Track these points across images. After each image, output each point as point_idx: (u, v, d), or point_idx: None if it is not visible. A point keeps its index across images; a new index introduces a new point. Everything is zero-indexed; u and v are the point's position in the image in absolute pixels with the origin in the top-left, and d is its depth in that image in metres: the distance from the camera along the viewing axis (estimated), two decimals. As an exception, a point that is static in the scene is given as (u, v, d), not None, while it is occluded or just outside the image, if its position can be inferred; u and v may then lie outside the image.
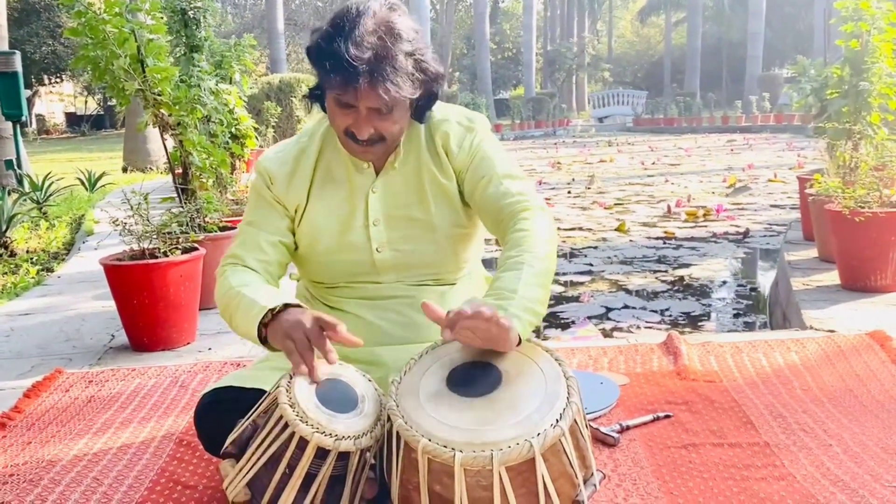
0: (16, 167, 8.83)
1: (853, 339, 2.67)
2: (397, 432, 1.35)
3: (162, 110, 3.40)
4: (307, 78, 13.77)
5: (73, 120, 37.25)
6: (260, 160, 1.80)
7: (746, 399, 2.21)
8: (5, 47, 9.54)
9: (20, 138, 9.27)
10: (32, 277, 4.65)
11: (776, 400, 2.20)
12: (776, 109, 24.21)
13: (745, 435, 1.98)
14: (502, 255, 1.58)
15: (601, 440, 1.98)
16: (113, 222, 3.01)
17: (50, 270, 4.90)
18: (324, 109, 1.73)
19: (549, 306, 4.25)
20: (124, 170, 12.36)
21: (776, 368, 2.46)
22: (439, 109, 1.77)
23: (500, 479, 1.27)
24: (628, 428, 2.05)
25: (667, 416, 2.12)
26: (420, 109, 1.70)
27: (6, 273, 4.78)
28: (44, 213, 6.91)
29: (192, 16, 4.38)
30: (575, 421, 1.36)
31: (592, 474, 1.44)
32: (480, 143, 1.74)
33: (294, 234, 1.78)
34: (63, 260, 5.29)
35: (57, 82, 32.80)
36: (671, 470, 1.82)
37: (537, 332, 3.84)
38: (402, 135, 1.71)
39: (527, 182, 1.72)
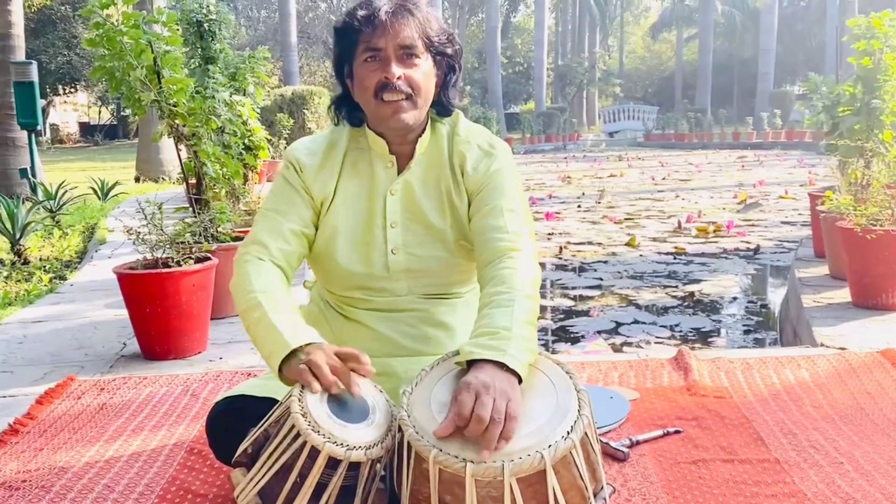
0: (30, 176, 8.91)
1: (864, 356, 2.66)
2: (408, 443, 1.36)
3: (177, 121, 3.43)
4: (319, 90, 13.85)
5: (87, 129, 37.57)
6: (290, 150, 1.81)
7: (756, 415, 2.21)
8: (22, 57, 9.65)
9: (35, 147, 9.36)
10: (45, 285, 4.68)
11: (786, 417, 2.20)
12: (787, 126, 24.21)
13: (755, 451, 1.98)
14: (488, 289, 1.57)
15: (611, 455, 1.98)
16: (127, 231, 3.03)
17: (63, 278, 4.93)
18: (350, 121, 1.78)
19: (559, 320, 4.28)
20: (137, 179, 12.45)
21: (787, 385, 2.45)
22: (465, 129, 1.79)
23: (511, 490, 1.27)
24: (638, 443, 2.05)
25: (677, 432, 2.11)
26: (443, 90, 1.75)
27: (19, 280, 4.82)
28: (57, 222, 6.97)
29: (207, 28, 4.42)
30: (586, 434, 1.37)
31: (602, 488, 1.44)
32: (497, 171, 1.73)
33: (316, 229, 1.77)
34: (76, 268, 5.33)
35: (71, 92, 33.09)
36: (681, 486, 1.82)
37: (546, 346, 3.84)
38: (426, 107, 1.72)
39: (527, 221, 1.71)
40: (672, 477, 1.86)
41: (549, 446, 1.29)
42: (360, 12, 1.66)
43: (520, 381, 1.41)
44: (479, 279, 1.67)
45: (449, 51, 1.73)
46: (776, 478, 1.83)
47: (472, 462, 1.27)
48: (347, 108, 1.78)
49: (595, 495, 1.40)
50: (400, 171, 1.76)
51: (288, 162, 1.80)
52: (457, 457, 1.29)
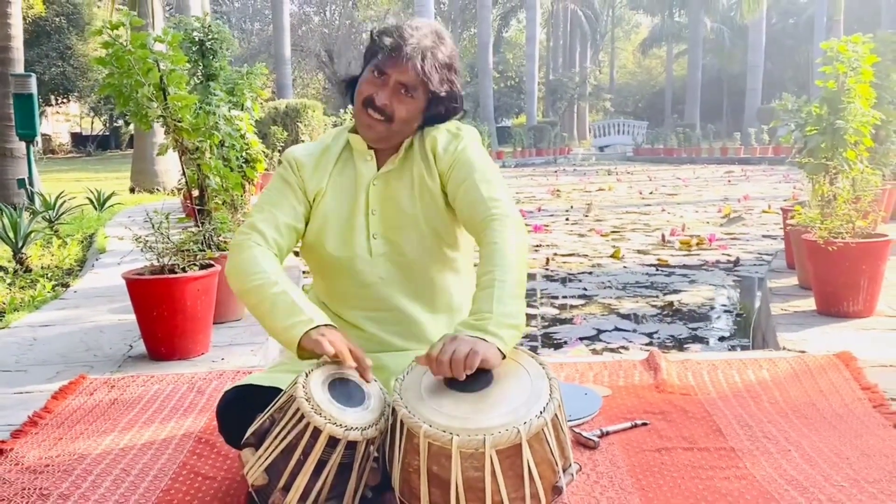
0: (27, 186, 9.07)
1: (821, 358, 2.87)
2: (401, 421, 1.56)
3: (182, 136, 3.62)
4: (313, 103, 14.09)
5: (79, 140, 37.69)
6: (287, 152, 2.04)
7: (718, 410, 2.42)
8: (21, 69, 9.83)
9: (33, 158, 9.52)
10: (49, 292, 4.85)
11: (745, 411, 2.40)
12: (775, 142, 24.52)
13: (714, 441, 2.18)
14: (478, 270, 1.77)
15: (583, 444, 2.18)
16: (135, 240, 3.22)
17: (65, 286, 5.10)
18: (352, 99, 1.99)
19: (544, 327, 4.45)
20: (132, 190, 12.61)
21: (748, 384, 2.66)
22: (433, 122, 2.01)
23: (492, 461, 1.47)
24: (608, 433, 2.25)
25: (644, 424, 2.32)
26: (429, 120, 1.97)
27: (23, 287, 4.99)
28: (55, 231, 7.13)
29: (209, 46, 4.62)
30: (556, 415, 1.57)
31: (570, 465, 1.64)
32: (465, 148, 1.95)
33: (306, 223, 1.98)
34: (76, 276, 5.50)
35: (64, 103, 33.20)
36: (644, 470, 2.02)
37: (534, 351, 4.03)
38: (404, 132, 1.94)
39: (502, 189, 1.89)
40: (637, 462, 2.07)
41: (525, 423, 1.50)
42: (389, 40, 1.88)
43: (503, 355, 1.61)
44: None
45: (442, 94, 1.93)
46: (730, 463, 2.04)
47: (457, 436, 1.48)
48: (353, 91, 1.99)
49: (564, 470, 1.60)
50: (380, 165, 1.98)
51: (286, 161, 2.02)
52: (444, 431, 1.49)
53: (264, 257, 1.86)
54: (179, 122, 3.59)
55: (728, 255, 6.81)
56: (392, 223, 1.97)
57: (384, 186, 1.97)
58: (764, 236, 7.94)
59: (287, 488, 1.61)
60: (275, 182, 2.01)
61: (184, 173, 3.84)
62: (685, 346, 4.11)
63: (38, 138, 9.33)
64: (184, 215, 5.08)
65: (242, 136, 4.84)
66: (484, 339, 1.59)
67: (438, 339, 1.61)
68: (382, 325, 1.99)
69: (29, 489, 1.99)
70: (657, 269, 6.25)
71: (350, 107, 2.09)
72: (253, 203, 5.38)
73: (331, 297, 2.06)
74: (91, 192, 9.63)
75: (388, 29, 1.92)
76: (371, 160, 1.98)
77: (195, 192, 3.88)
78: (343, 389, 1.69)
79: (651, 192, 13.65)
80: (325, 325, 1.73)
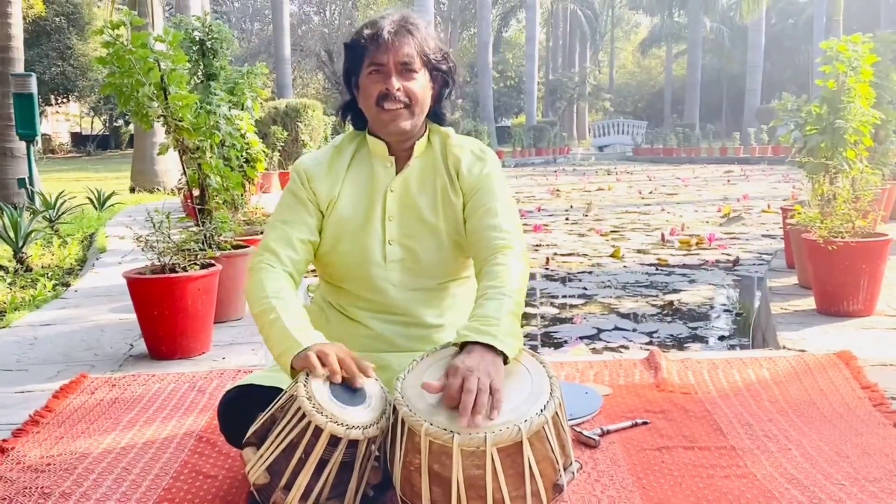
0: (28, 185, 9.07)
1: (821, 357, 2.88)
2: (402, 420, 1.56)
3: (182, 135, 3.63)
4: (313, 103, 14.08)
5: (79, 140, 37.69)
6: (296, 163, 2.04)
7: (718, 409, 2.42)
8: (21, 69, 9.83)
9: (33, 158, 9.53)
10: (50, 291, 4.85)
11: (745, 410, 2.41)
12: (774, 141, 24.56)
13: (714, 440, 2.19)
14: (483, 283, 1.78)
15: (584, 442, 2.18)
16: (136, 239, 3.22)
17: (66, 285, 5.10)
18: (355, 124, 2.01)
19: (545, 327, 4.46)
20: (132, 190, 12.61)
21: (748, 383, 2.67)
22: (457, 137, 2.02)
23: (493, 459, 1.47)
24: (609, 432, 2.25)
25: (644, 423, 2.32)
26: (438, 102, 1.98)
27: (24, 286, 4.99)
28: (56, 231, 7.14)
29: (209, 46, 4.62)
30: (556, 413, 1.57)
31: (571, 463, 1.64)
32: (489, 174, 1.96)
33: (320, 233, 1.98)
34: (77, 275, 5.50)
35: (64, 102, 33.17)
36: (645, 468, 2.03)
37: (533, 350, 4.03)
38: (422, 116, 1.94)
39: (517, 222, 1.93)
40: (637, 461, 2.07)
41: (526, 421, 1.50)
42: (367, 31, 1.90)
43: (505, 362, 1.62)
44: (476, 273, 1.88)
45: (444, 67, 1.96)
46: (730, 462, 2.04)
47: (458, 434, 1.48)
48: (353, 114, 2.02)
49: (565, 468, 1.61)
50: (398, 171, 1.98)
51: (295, 174, 2.02)
52: (445, 429, 1.49)
53: (270, 279, 1.86)
54: (180, 121, 3.59)
55: (728, 254, 6.82)
56: (410, 231, 1.97)
57: (402, 193, 1.97)
58: (763, 236, 7.95)
59: (288, 487, 1.62)
60: (285, 198, 2.01)
61: (184, 173, 3.84)
62: (685, 345, 4.12)
63: (39, 138, 9.30)
64: (184, 215, 5.09)
65: (243, 136, 4.84)
66: (492, 345, 1.60)
67: (449, 372, 1.58)
68: (390, 326, 1.99)
69: (30, 488, 1.99)
70: (657, 269, 6.25)
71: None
72: (253, 202, 5.42)
73: (338, 298, 2.06)
74: (91, 191, 9.64)
75: (362, 26, 1.94)
76: (391, 167, 1.98)
77: (196, 192, 3.88)
78: (344, 388, 1.69)
79: (651, 192, 13.67)
80: (314, 345, 1.70)
